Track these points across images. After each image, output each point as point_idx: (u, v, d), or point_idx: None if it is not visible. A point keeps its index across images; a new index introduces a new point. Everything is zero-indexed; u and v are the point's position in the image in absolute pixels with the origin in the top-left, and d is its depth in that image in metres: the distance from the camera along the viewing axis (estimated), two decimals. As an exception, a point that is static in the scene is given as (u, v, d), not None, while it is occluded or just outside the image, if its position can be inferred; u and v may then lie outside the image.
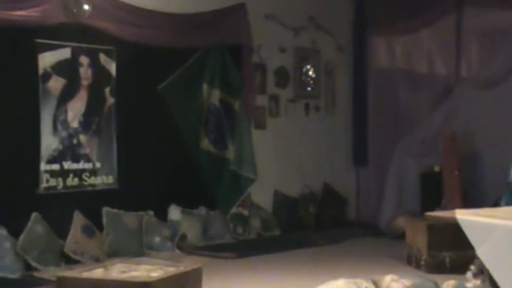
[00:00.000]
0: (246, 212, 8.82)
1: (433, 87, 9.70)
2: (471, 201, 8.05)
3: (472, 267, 5.25)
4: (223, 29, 8.64)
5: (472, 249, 4.72)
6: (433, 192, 8.58)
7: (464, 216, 4.77)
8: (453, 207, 5.88)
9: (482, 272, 4.96)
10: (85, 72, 7.52)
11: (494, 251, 4.37)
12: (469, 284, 5.22)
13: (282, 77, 9.54)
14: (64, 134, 7.34)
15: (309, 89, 9.91)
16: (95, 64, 7.58)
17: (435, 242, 6.94)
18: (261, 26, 9.03)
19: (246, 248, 8.10)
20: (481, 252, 4.48)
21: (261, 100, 9.26)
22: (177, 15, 8.16)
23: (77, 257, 7.03)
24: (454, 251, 6.82)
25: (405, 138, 9.50)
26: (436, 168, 8.82)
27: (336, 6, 10.06)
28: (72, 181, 7.38)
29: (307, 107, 9.86)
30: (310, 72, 9.91)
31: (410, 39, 9.96)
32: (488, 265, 4.52)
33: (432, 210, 6.69)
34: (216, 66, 8.67)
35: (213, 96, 8.69)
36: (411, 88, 9.94)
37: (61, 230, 7.08)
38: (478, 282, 5.10)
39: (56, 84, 7.25)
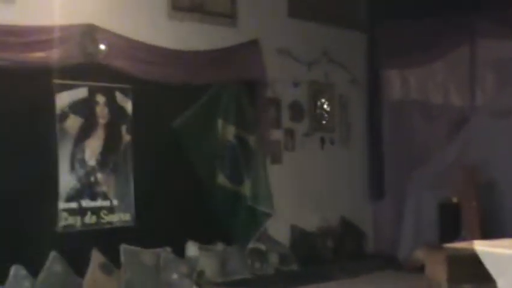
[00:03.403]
0: (263, 247, 8.79)
1: (448, 118, 9.70)
2: (490, 231, 7.98)
3: None
4: (237, 65, 8.71)
5: (493, 281, 4.68)
6: (451, 223, 8.52)
7: (482, 247, 4.74)
8: (472, 238, 5.82)
9: None
10: (101, 110, 7.59)
11: (515, 283, 4.32)
12: None
13: (296, 111, 9.58)
14: (81, 172, 7.38)
15: (323, 122, 9.94)
16: (111, 103, 7.65)
17: (455, 274, 6.85)
18: (275, 60, 9.09)
19: (264, 283, 8.06)
20: (502, 284, 4.43)
21: (276, 135, 9.28)
22: (191, 52, 8.24)
23: (96, 295, 7.04)
24: (475, 283, 6.73)
25: (421, 170, 9.47)
26: (454, 199, 8.77)
27: (349, 40, 10.14)
28: (90, 219, 7.41)
29: (322, 140, 9.87)
30: (325, 106, 9.94)
31: (424, 71, 10.00)
32: (509, 297, 4.48)
33: (451, 241, 6.64)
34: (230, 102, 8.71)
35: (228, 132, 8.72)
36: (426, 120, 9.94)
37: (79, 268, 7.09)
38: None
39: (73, 123, 7.32)
